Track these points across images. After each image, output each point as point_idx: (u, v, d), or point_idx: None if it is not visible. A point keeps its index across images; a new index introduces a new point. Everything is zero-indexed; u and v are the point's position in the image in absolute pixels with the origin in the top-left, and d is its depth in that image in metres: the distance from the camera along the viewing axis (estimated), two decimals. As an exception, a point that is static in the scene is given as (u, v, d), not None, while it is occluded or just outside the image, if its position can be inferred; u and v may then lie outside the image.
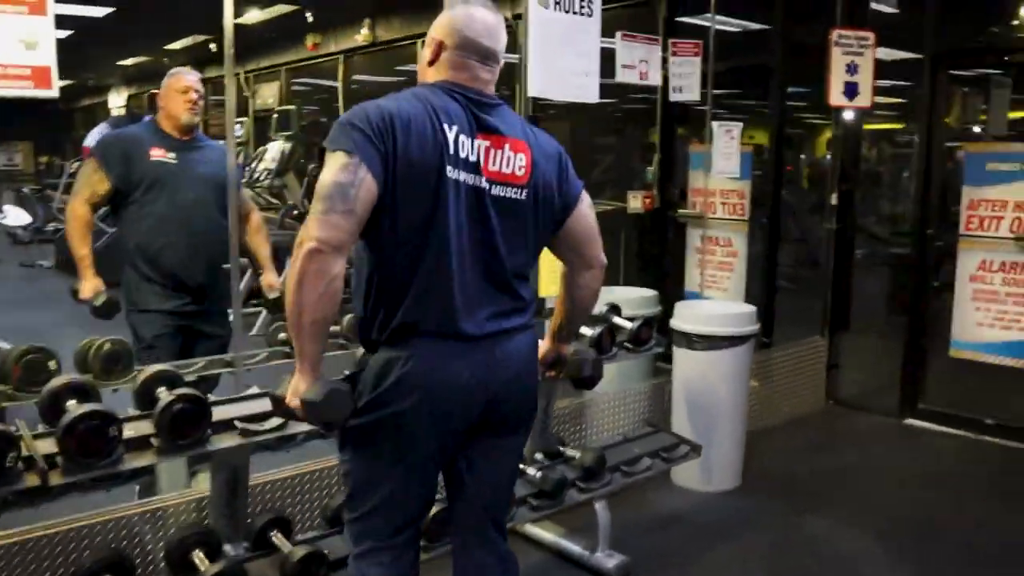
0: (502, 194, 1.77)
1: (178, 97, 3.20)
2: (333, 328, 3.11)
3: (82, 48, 10.40)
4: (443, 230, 1.70)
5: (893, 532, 3.38)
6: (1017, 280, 4.30)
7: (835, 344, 5.06)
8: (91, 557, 2.23)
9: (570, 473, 2.94)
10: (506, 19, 1.91)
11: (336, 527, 2.45)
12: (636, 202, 5.39)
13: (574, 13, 3.18)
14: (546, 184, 1.84)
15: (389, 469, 1.80)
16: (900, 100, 7.76)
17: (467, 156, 1.73)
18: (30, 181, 15.43)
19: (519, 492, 2.70)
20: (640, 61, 3.91)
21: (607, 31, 3.40)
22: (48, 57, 2.27)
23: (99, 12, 8.89)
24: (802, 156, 9.47)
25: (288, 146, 7.67)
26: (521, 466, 2.76)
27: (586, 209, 1.95)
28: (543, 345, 2.18)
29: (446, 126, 1.70)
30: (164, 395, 2.09)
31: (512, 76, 3.06)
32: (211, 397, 2.29)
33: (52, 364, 2.48)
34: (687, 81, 4.40)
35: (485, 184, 1.75)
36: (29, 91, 2.27)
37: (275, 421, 2.20)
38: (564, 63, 3.18)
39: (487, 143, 1.76)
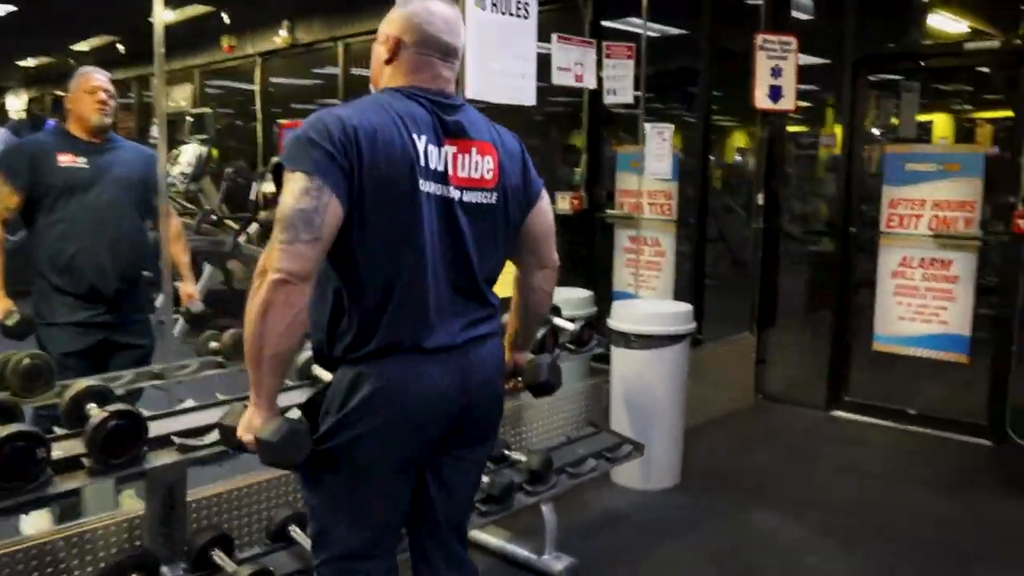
0: (471, 200, 1.71)
1: (87, 98, 3.04)
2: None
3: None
4: (419, 244, 1.63)
5: (833, 522, 3.47)
6: (936, 275, 4.49)
7: (763, 340, 5.19)
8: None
9: (517, 477, 2.91)
10: None
11: (280, 542, 2.37)
12: (565, 203, 5.43)
13: (511, 15, 3.16)
14: (513, 185, 1.79)
15: (363, 492, 1.71)
16: (809, 104, 8.01)
17: (436, 167, 1.66)
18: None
19: (468, 498, 2.65)
20: (575, 64, 3.91)
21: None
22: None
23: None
24: (711, 158, 9.65)
25: (204, 150, 7.45)
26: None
27: (546, 206, 1.90)
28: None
29: (415, 136, 1.63)
30: (96, 412, 1.97)
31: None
32: (144, 412, 2.17)
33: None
34: (621, 84, 4.43)
35: (454, 193, 1.68)
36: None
37: (215, 435, 2.10)
38: (501, 65, 3.16)
39: (454, 148, 1.69)
